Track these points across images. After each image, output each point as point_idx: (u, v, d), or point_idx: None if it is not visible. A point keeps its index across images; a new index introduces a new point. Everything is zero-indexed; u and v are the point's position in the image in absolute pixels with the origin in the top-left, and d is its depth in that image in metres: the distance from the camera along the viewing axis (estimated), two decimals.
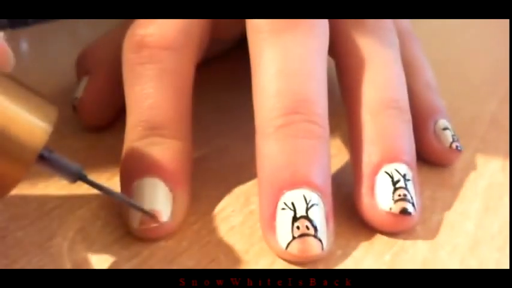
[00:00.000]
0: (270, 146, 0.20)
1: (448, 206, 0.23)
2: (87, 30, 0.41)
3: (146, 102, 0.21)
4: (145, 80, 0.21)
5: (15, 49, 0.36)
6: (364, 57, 0.23)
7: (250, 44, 0.21)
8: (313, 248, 0.19)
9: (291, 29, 0.21)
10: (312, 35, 0.21)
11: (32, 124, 0.16)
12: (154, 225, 0.19)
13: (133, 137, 0.21)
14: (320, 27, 0.21)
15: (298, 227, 0.19)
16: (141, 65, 0.22)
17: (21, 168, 0.15)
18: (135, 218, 0.19)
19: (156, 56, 0.22)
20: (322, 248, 0.19)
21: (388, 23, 0.24)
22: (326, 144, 0.20)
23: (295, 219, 0.19)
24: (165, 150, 0.21)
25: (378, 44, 0.23)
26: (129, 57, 0.22)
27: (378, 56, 0.23)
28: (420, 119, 0.25)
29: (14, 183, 0.16)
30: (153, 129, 0.21)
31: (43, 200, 0.21)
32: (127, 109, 0.22)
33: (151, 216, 0.19)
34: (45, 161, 0.17)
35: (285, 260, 0.19)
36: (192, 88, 0.23)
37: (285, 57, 0.20)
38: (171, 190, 0.20)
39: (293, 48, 0.21)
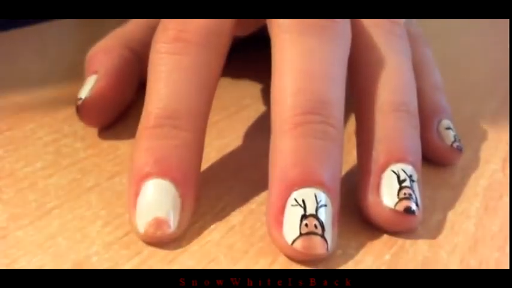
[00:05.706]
0: (285, 143, 0.20)
1: (448, 205, 0.23)
2: (87, 30, 0.41)
3: (168, 89, 0.21)
4: (172, 68, 0.21)
5: (14, 49, 0.36)
6: (378, 62, 0.23)
7: (274, 43, 0.22)
8: (318, 247, 0.19)
9: (317, 32, 0.21)
10: (336, 42, 0.21)
11: None
12: (160, 233, 0.19)
13: (148, 123, 0.21)
14: (345, 36, 0.22)
15: (306, 225, 0.19)
16: (171, 55, 0.21)
17: None
18: (141, 225, 0.19)
19: (188, 49, 0.21)
20: (327, 249, 0.19)
21: (401, 30, 0.25)
22: (340, 148, 0.20)
23: (304, 216, 0.19)
24: (179, 148, 0.20)
25: (391, 49, 0.23)
26: (160, 45, 0.22)
27: (391, 61, 0.23)
28: (425, 117, 0.25)
29: None
30: (168, 118, 0.21)
31: (43, 200, 0.21)
32: (146, 95, 0.22)
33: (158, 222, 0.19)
34: None
35: (287, 256, 0.19)
36: (215, 87, 0.22)
37: (308, 58, 0.21)
38: (180, 196, 0.20)
39: (317, 51, 0.21)
